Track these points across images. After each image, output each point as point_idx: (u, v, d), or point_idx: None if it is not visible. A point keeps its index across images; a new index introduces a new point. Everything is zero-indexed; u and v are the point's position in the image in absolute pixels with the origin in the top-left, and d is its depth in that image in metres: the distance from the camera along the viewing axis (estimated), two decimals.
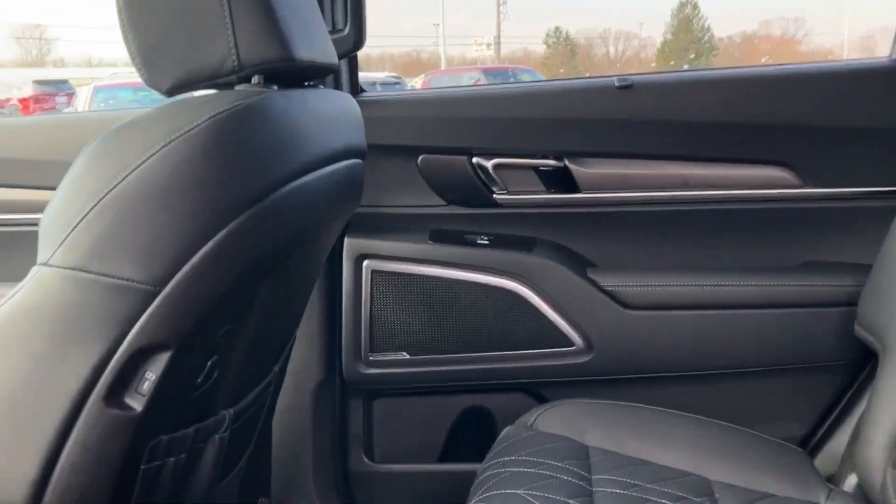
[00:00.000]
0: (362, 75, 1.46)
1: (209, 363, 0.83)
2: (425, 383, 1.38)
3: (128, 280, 0.69)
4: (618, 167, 1.36)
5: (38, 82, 15.42)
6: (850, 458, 1.07)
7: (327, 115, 0.92)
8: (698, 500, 0.93)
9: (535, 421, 1.10)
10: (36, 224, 1.40)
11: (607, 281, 1.34)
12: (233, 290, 0.77)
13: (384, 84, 11.76)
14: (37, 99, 14.72)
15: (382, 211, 1.39)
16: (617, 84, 1.34)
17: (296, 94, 0.84)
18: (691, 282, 1.33)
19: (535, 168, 1.37)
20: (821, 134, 1.34)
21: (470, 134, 1.37)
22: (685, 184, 1.36)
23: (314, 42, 0.89)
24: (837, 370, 1.34)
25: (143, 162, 0.69)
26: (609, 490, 0.94)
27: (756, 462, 1.02)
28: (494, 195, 1.38)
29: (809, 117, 1.33)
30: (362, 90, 1.44)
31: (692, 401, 1.31)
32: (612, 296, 1.33)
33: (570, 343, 1.34)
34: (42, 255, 0.71)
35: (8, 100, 14.05)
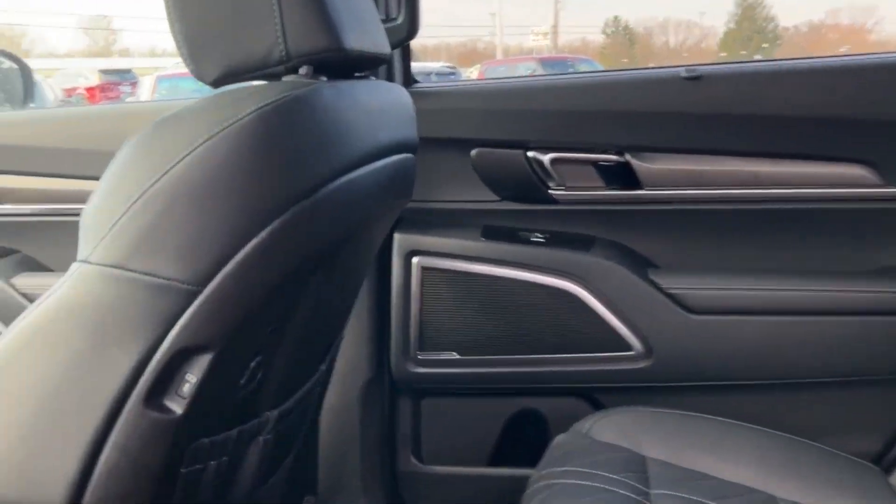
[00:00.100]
0: (417, 65, 1.42)
1: (253, 364, 0.81)
2: (476, 384, 1.34)
3: (168, 279, 0.66)
4: (683, 163, 1.29)
5: (104, 71, 15.84)
6: None
7: (377, 108, 0.89)
8: None
9: (590, 428, 1.05)
10: None
11: (669, 283, 1.27)
12: (278, 290, 0.74)
13: (439, 74, 11.75)
14: (102, 88, 15.12)
15: (433, 206, 1.35)
16: (684, 75, 1.27)
17: (345, 86, 0.81)
18: (759, 286, 1.25)
19: (595, 163, 1.31)
20: None
21: (526, 127, 1.32)
22: (755, 181, 1.28)
23: (365, 31, 0.85)
24: None
25: (186, 157, 0.66)
26: None
27: (826, 479, 0.95)
28: (550, 191, 1.33)
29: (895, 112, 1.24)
30: (415, 81, 1.40)
31: (757, 412, 1.24)
32: (674, 299, 1.27)
33: (627, 347, 1.28)
34: (82, 251, 0.69)
35: (75, 88, 14.46)
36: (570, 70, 11.60)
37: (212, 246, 0.67)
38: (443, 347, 1.32)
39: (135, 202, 0.66)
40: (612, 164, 1.31)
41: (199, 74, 0.78)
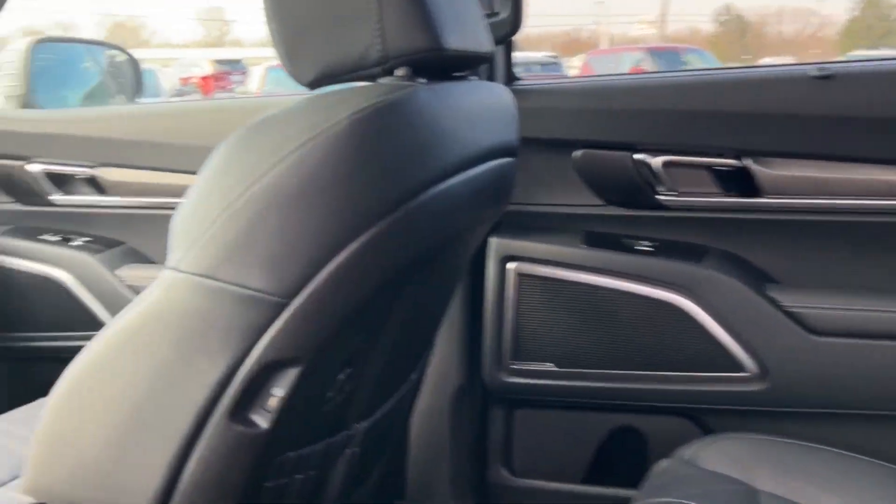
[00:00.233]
0: (518, 55, 1.35)
1: (342, 376, 0.78)
2: (572, 397, 1.28)
3: (256, 290, 0.64)
4: (809, 169, 1.18)
5: (216, 62, 16.48)
6: None
7: (477, 111, 0.84)
8: None
9: (695, 455, 0.97)
10: None
11: (790, 300, 1.17)
12: (369, 301, 0.70)
13: (541, 64, 11.58)
14: (215, 77, 15.74)
15: (532, 209, 1.29)
16: (814, 74, 1.16)
17: (443, 89, 0.76)
18: (892, 308, 1.14)
19: (709, 167, 1.22)
20: None
21: (634, 128, 1.24)
22: (889, 191, 1.16)
23: (467, 29, 0.80)
24: None
25: (276, 165, 0.63)
26: None
27: None
28: (658, 196, 1.24)
29: None
30: (517, 78, 1.34)
31: (885, 445, 1.13)
32: (795, 318, 1.16)
33: (740, 368, 1.18)
34: (172, 258, 0.68)
35: (189, 78, 15.11)
36: (680, 61, 11.17)
37: (300, 257, 0.64)
38: (538, 358, 1.26)
39: (224, 211, 0.64)
40: (728, 168, 1.21)
41: (295, 75, 0.76)
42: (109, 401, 0.68)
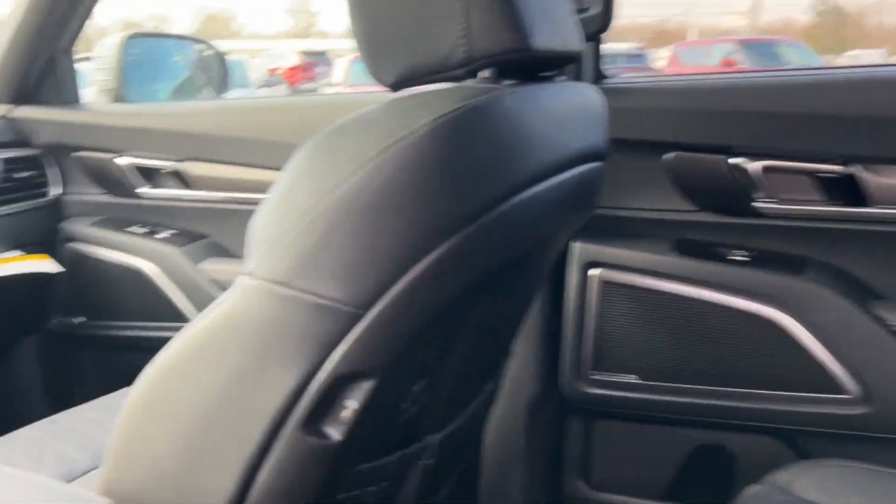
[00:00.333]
0: (602, 46, 1.29)
1: (417, 388, 0.75)
2: (656, 412, 1.22)
3: (330, 300, 0.62)
4: None
5: (302, 53, 16.82)
6: None
7: (565, 114, 0.80)
8: None
9: (789, 482, 0.91)
10: None
11: None
12: (446, 312, 0.68)
13: (626, 56, 11.32)
14: (302, 68, 16.06)
15: (618, 213, 1.24)
16: None
17: (529, 91, 0.72)
18: None
19: (812, 174, 1.14)
20: None
21: (730, 130, 1.17)
22: None
23: (556, 28, 0.76)
24: None
25: (355, 172, 0.61)
26: None
27: None
28: (755, 203, 1.17)
29: None
30: (605, 76, 1.29)
31: None
32: None
33: (840, 389, 1.10)
34: (248, 264, 0.67)
35: (276, 69, 15.46)
36: (774, 54, 10.71)
37: (376, 268, 0.62)
38: (620, 369, 1.21)
39: (302, 219, 0.62)
40: (833, 175, 1.13)
41: (377, 76, 0.73)
42: (184, 405, 0.68)
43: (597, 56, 1.25)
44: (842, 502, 0.87)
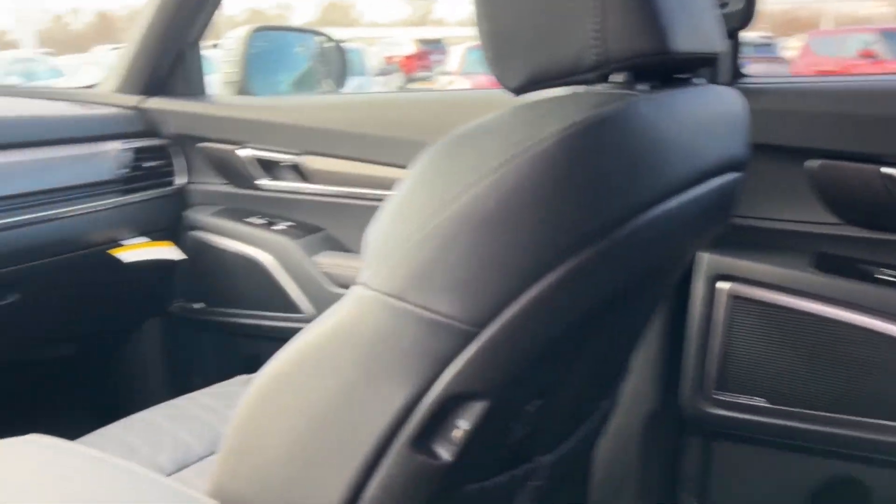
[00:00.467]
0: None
1: (530, 408, 0.71)
2: (784, 438, 1.13)
3: (445, 316, 0.59)
4: None
5: (418, 41, 16.95)
6: None
7: (704, 122, 0.73)
8: None
9: None
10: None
11: None
12: (567, 332, 0.63)
13: (754, 45, 10.76)
14: (417, 56, 16.21)
15: (753, 223, 1.15)
16: None
17: (665, 97, 0.67)
18: None
19: None
20: None
21: (883, 137, 1.06)
22: None
23: (697, 28, 0.70)
24: None
25: (476, 184, 0.57)
26: None
27: None
28: None
29: None
30: (743, 74, 1.20)
31: None
32: None
33: None
34: (363, 273, 0.64)
35: (392, 57, 15.66)
36: None
37: (494, 285, 0.58)
38: (747, 390, 1.13)
39: (418, 231, 0.59)
40: None
41: (502, 80, 0.69)
42: (294, 414, 0.67)
43: (735, 53, 1.16)
44: None
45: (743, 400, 1.13)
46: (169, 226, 1.59)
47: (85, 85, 1.68)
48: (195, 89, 1.63)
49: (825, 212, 1.11)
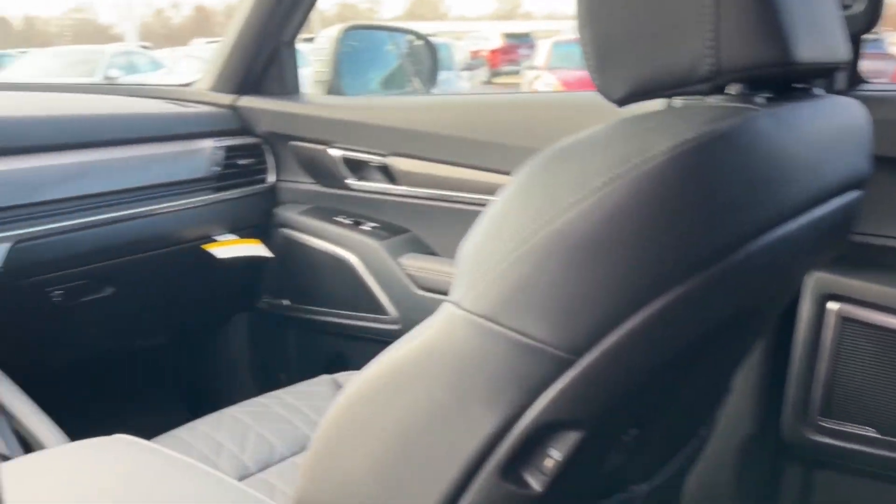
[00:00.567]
0: None
1: (627, 437, 0.68)
2: (893, 471, 1.05)
3: (539, 342, 0.56)
4: None
5: (505, 35, 16.85)
6: None
7: (827, 138, 0.67)
8: None
9: None
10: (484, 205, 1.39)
11: None
12: (673, 361, 0.59)
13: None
14: (503, 50, 16.12)
15: (868, 241, 1.07)
16: None
17: (786, 112, 0.61)
18: None
19: None
20: None
21: None
22: None
23: (821, 35, 0.64)
24: None
25: (578, 203, 0.54)
26: None
27: None
28: None
29: None
30: (863, 80, 1.11)
31: None
32: None
33: None
34: (455, 291, 0.62)
35: (479, 51, 15.63)
36: None
37: (594, 311, 0.55)
38: (855, 419, 1.05)
39: (514, 250, 0.56)
40: None
41: (604, 89, 0.66)
42: (381, 431, 0.65)
43: (856, 57, 1.08)
44: None
45: (850, 428, 1.06)
46: (259, 223, 1.61)
47: (182, 83, 1.72)
48: (289, 88, 1.65)
49: None
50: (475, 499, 0.61)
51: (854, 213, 0.77)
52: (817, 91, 0.74)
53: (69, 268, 1.28)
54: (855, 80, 1.10)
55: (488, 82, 14.67)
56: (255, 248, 1.54)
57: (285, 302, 1.64)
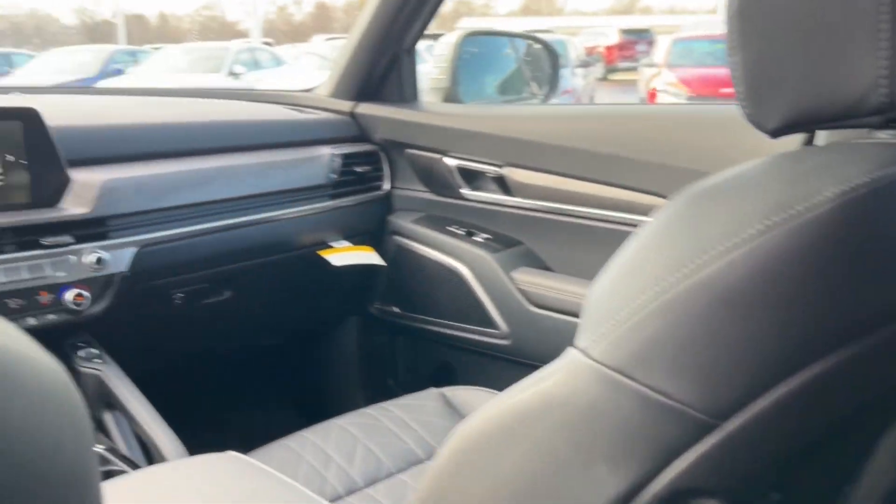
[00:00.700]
0: None
1: (768, 502, 0.62)
2: None
3: (677, 402, 0.50)
4: None
5: (623, 31, 16.47)
6: None
7: None
8: None
9: None
10: (625, 224, 1.31)
11: None
12: (830, 430, 0.53)
13: None
14: (619, 46, 15.76)
15: None
16: None
17: None
18: None
19: None
20: None
21: None
22: None
23: None
24: None
25: (729, 251, 0.48)
26: None
27: None
28: None
29: None
30: None
31: None
32: None
33: None
34: (583, 337, 0.57)
35: (595, 47, 15.31)
36: None
37: (742, 373, 0.49)
38: None
39: (653, 300, 0.51)
40: None
41: (756, 119, 0.59)
42: (492, 482, 0.61)
43: None
44: None
45: None
46: (373, 229, 1.61)
47: (303, 88, 1.74)
48: (408, 95, 1.63)
49: None
50: None
51: None
52: None
53: (191, 272, 1.31)
54: None
55: (603, 79, 14.38)
56: (368, 256, 1.54)
57: (395, 309, 1.64)
